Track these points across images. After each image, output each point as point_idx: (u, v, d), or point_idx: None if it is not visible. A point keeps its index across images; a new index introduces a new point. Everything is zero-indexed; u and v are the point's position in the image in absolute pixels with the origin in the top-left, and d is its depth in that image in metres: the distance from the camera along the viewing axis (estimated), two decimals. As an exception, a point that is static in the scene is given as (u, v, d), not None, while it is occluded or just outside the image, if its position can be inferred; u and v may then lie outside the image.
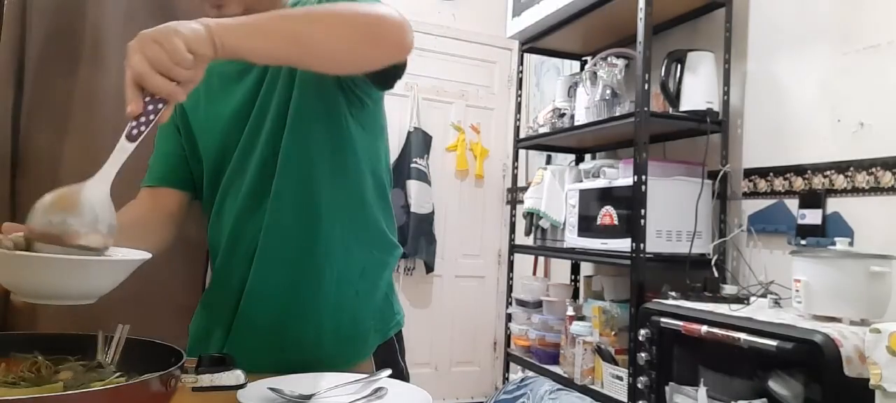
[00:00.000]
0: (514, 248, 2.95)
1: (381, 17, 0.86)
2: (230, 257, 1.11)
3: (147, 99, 0.73)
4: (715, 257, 2.11)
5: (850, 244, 1.60)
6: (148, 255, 0.83)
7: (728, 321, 1.56)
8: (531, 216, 2.67)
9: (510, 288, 2.94)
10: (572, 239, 2.42)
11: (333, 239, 1.07)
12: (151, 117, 0.74)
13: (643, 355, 1.82)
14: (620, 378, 2.06)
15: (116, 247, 0.83)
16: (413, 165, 3.79)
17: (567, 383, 2.31)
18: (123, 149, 0.75)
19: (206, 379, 0.89)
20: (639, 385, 1.84)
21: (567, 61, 3.21)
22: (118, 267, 0.79)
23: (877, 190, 1.76)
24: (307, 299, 1.08)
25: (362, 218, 1.11)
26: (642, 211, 2.03)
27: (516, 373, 2.78)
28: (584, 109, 2.42)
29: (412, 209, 3.78)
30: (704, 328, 1.59)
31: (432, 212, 3.89)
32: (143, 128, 0.74)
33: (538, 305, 2.70)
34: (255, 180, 1.06)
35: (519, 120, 2.98)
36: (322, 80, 1.02)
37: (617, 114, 2.26)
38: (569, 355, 2.35)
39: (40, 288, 0.74)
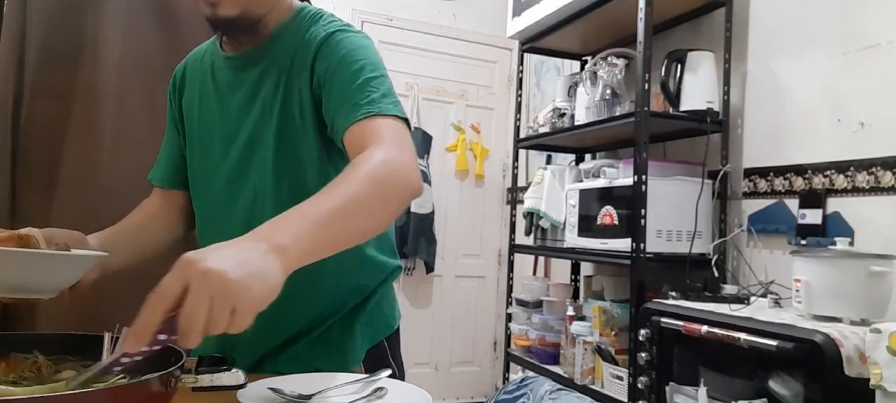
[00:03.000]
0: (514, 248, 2.95)
1: (396, 175, 0.85)
2: None
3: (156, 337, 0.58)
4: (715, 257, 2.11)
5: (851, 244, 1.60)
6: (102, 254, 0.92)
7: (728, 321, 1.56)
8: (531, 216, 2.66)
9: (510, 288, 2.94)
10: (572, 239, 2.42)
11: (345, 270, 1.06)
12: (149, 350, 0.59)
13: (643, 355, 1.82)
14: (620, 378, 2.06)
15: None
16: (413, 165, 3.79)
17: (567, 383, 2.31)
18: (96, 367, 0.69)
19: (206, 379, 0.89)
20: (639, 385, 1.84)
21: (567, 61, 3.21)
22: (70, 261, 0.86)
23: (877, 190, 1.76)
24: (304, 318, 1.08)
25: (367, 247, 1.10)
26: (642, 211, 2.02)
27: (516, 373, 2.78)
28: (584, 109, 2.42)
29: (412, 209, 3.78)
30: (704, 328, 1.59)
31: (432, 212, 3.89)
32: (124, 362, 0.61)
33: (538, 305, 2.70)
34: (248, 209, 1.05)
35: (519, 120, 2.98)
36: (308, 123, 1.01)
37: (617, 114, 2.26)
38: (569, 355, 2.35)
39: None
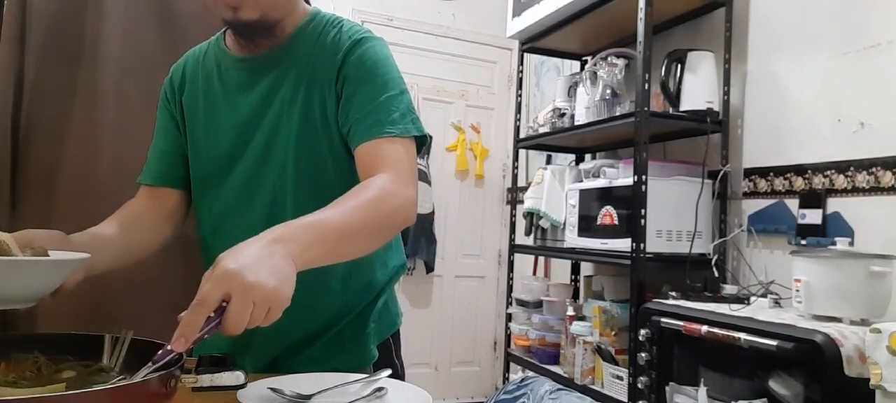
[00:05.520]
0: (514, 248, 2.95)
1: (397, 211, 0.93)
2: None
3: (200, 336, 0.67)
4: (715, 257, 2.11)
5: (851, 244, 1.60)
6: (83, 256, 0.84)
7: (728, 321, 1.56)
8: (531, 216, 2.67)
9: (510, 288, 2.94)
10: (572, 239, 2.42)
11: (357, 270, 1.08)
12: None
13: (643, 355, 1.82)
14: (620, 378, 2.06)
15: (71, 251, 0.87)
16: (413, 165, 3.79)
17: (567, 383, 2.31)
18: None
19: (206, 379, 0.89)
20: (639, 385, 1.84)
21: (567, 61, 3.21)
22: (47, 267, 0.79)
23: (877, 190, 1.76)
24: (317, 318, 1.08)
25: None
26: (642, 211, 2.02)
27: (516, 373, 2.78)
28: (584, 109, 2.42)
29: (412, 209, 3.78)
30: (704, 328, 1.59)
31: (432, 212, 3.89)
32: (169, 357, 0.68)
33: (538, 305, 2.70)
34: (267, 209, 1.06)
35: (519, 120, 2.98)
36: (330, 124, 1.04)
37: (617, 113, 2.26)
38: (569, 355, 2.35)
39: None
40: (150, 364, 0.68)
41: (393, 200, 0.92)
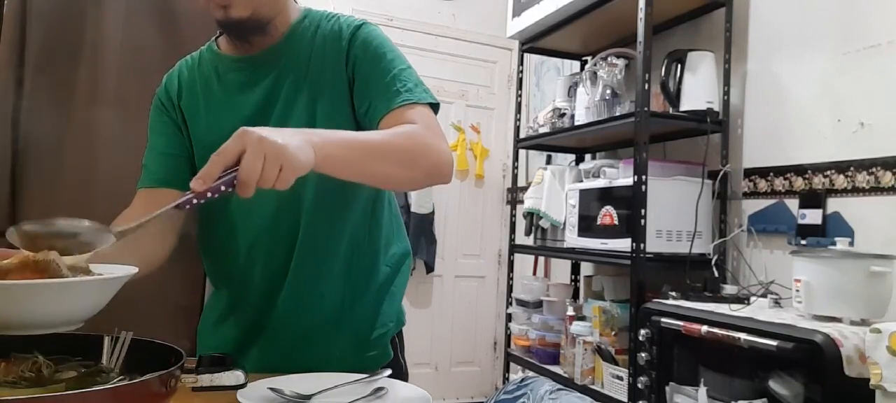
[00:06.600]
0: (514, 248, 2.95)
1: (429, 150, 0.97)
2: (249, 272, 1.10)
3: (218, 184, 0.72)
4: (715, 257, 2.11)
5: (851, 244, 1.60)
6: (133, 270, 0.79)
7: (728, 321, 1.56)
8: (531, 216, 2.67)
9: (510, 288, 2.94)
10: (572, 239, 2.42)
11: (358, 253, 1.10)
12: (210, 196, 0.74)
13: (643, 355, 1.82)
14: (620, 378, 2.06)
15: (104, 264, 0.83)
16: (413, 165, 3.79)
17: (567, 383, 2.31)
18: (164, 215, 0.75)
19: (206, 379, 0.89)
20: (639, 385, 1.84)
21: (567, 61, 3.21)
22: (102, 286, 0.74)
23: (877, 190, 1.76)
24: (324, 307, 1.08)
25: (377, 231, 1.13)
26: (642, 211, 2.02)
27: (516, 373, 2.78)
28: (584, 109, 2.42)
29: (412, 209, 3.78)
30: (704, 328, 1.59)
31: (432, 212, 3.89)
32: (193, 201, 0.74)
33: (538, 305, 2.70)
34: (276, 202, 1.05)
35: (519, 120, 2.98)
36: (339, 114, 1.06)
37: (617, 114, 2.26)
38: (569, 355, 2.35)
39: (20, 317, 0.68)
40: (170, 205, 0.74)
41: (426, 139, 0.96)
